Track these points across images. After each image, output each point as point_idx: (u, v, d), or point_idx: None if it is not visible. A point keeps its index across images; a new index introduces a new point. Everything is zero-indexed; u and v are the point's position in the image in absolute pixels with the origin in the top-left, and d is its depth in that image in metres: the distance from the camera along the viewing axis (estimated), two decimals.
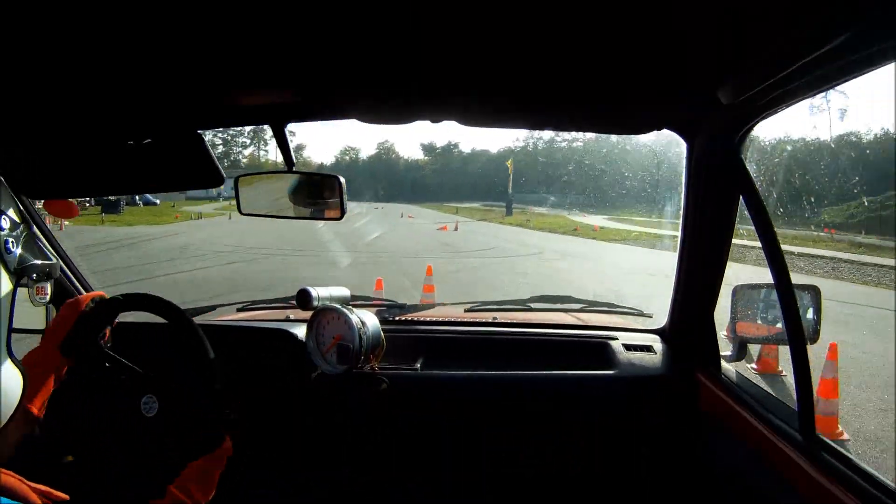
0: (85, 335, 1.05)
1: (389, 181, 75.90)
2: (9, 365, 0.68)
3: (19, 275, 0.71)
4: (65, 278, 1.48)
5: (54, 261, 0.78)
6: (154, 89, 0.94)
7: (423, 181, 71.61)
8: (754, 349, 4.31)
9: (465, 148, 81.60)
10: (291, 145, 1.16)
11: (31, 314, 1.55)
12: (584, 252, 13.77)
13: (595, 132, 1.25)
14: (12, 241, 0.70)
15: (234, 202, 1.20)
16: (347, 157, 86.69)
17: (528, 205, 35.26)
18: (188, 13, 0.67)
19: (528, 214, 28.19)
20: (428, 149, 79.34)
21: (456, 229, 18.49)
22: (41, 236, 1.39)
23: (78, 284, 1.52)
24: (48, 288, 0.92)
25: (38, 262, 0.76)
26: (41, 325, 1.55)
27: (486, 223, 23.88)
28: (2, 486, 0.57)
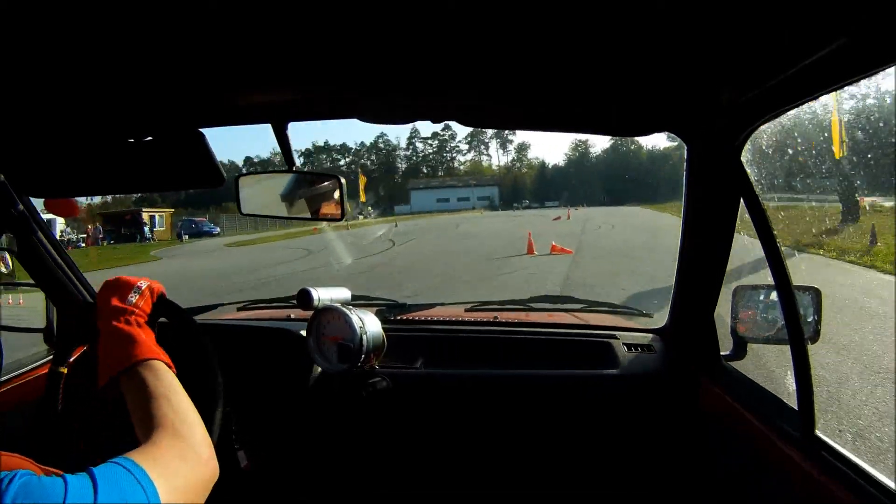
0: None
1: (623, 178, 69.12)
2: None
3: None
4: (71, 286, 1.49)
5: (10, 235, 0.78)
6: (155, 87, 0.94)
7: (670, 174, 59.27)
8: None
9: None
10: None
11: (32, 314, 1.56)
12: None
13: (596, 133, 1.25)
14: None
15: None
16: (577, 153, 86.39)
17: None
18: (190, 11, 0.67)
19: None
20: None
21: None
22: (44, 239, 1.39)
23: (83, 289, 1.53)
24: (8, 259, 0.94)
25: None
26: (41, 325, 1.56)
27: None
28: (12, 468, 0.56)
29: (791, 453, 0.92)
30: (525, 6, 0.67)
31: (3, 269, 0.95)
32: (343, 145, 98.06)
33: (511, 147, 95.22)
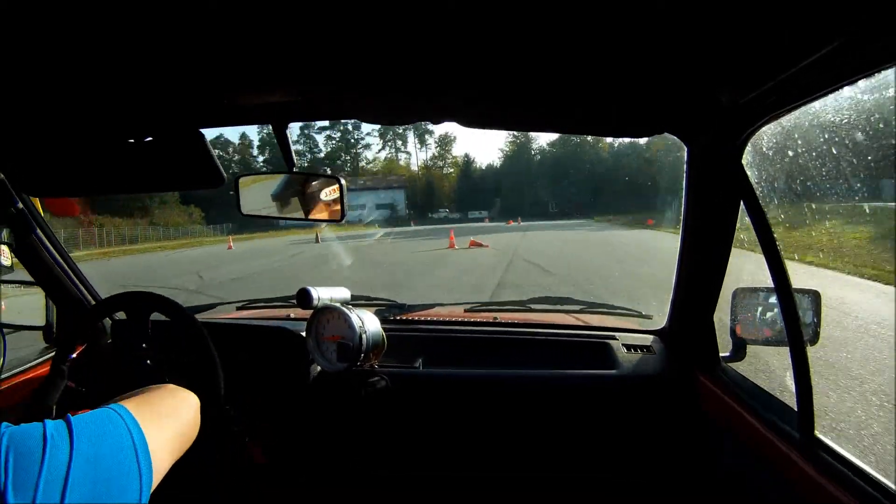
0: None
1: (576, 182, 52.39)
2: None
3: None
4: (71, 285, 1.49)
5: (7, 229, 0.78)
6: (156, 87, 0.94)
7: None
8: None
9: None
10: None
11: (32, 312, 1.56)
12: None
13: (595, 135, 1.25)
14: None
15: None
16: (514, 147, 64.78)
17: None
18: (190, 11, 0.67)
19: None
20: None
21: None
22: (44, 238, 1.39)
23: (85, 291, 1.52)
24: (6, 251, 0.94)
25: None
26: (41, 322, 1.56)
27: None
28: None
29: (790, 454, 0.92)
30: (525, 7, 0.67)
31: (4, 262, 0.94)
32: (219, 138, 65.35)
33: (431, 140, 70.49)
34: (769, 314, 1.21)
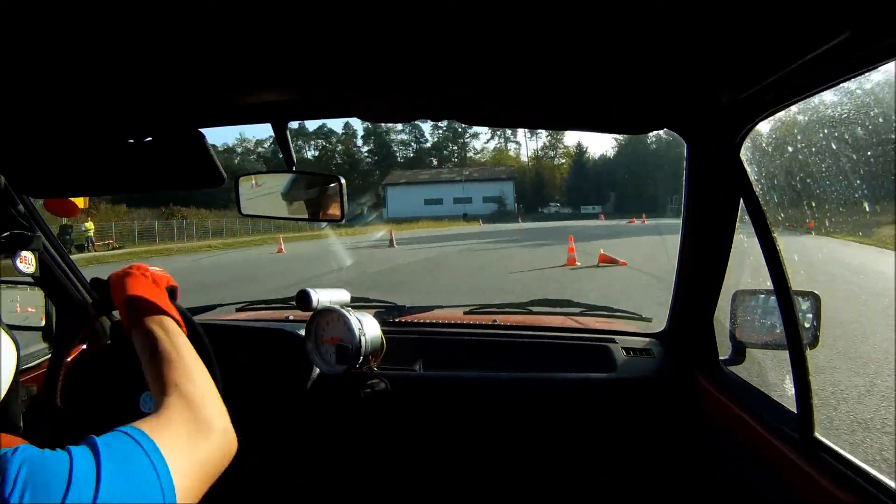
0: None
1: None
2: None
3: (2, 246, 0.72)
4: (70, 285, 1.48)
5: (38, 234, 0.79)
6: (155, 87, 0.94)
7: None
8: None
9: None
10: None
11: (31, 313, 1.56)
12: None
13: (594, 131, 1.25)
14: None
15: None
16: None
17: None
18: (190, 11, 0.67)
19: None
20: None
21: None
22: (44, 239, 1.39)
23: (82, 289, 1.53)
24: (31, 258, 0.95)
25: (20, 232, 0.77)
26: (40, 323, 1.55)
27: None
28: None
29: (790, 455, 0.92)
30: (525, 6, 0.67)
31: (26, 269, 0.96)
32: (323, 128, 67.16)
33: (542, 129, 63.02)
34: (768, 318, 1.21)
